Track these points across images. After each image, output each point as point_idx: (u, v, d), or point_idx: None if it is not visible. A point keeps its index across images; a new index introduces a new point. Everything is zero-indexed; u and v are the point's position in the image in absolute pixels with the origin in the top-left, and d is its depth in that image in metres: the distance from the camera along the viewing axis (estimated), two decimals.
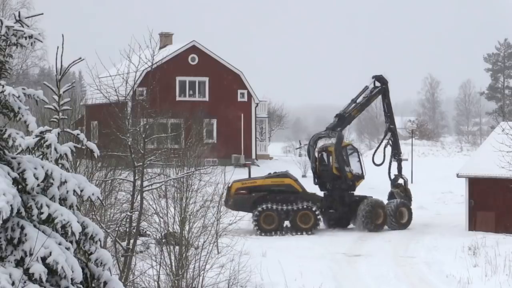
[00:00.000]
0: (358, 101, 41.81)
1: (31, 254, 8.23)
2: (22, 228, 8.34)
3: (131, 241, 20.64)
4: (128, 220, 21.59)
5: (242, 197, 37.94)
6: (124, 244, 20.98)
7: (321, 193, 40.80)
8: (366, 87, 42.57)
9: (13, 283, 8.03)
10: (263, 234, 37.24)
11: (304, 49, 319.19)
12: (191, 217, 21.36)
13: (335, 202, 39.74)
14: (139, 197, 20.42)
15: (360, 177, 40.70)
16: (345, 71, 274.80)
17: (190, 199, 21.48)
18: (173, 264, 20.72)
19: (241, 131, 64.36)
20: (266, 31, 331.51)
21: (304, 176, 59.25)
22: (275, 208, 37.85)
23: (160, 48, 52.02)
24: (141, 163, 20.26)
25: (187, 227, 21.15)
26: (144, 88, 28.86)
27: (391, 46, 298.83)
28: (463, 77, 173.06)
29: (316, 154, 41.21)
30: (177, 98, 60.99)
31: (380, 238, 36.75)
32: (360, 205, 39.26)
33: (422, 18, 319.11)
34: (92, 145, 9.29)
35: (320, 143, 43.31)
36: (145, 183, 20.67)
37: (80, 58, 10.29)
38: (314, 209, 38.28)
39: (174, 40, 67.62)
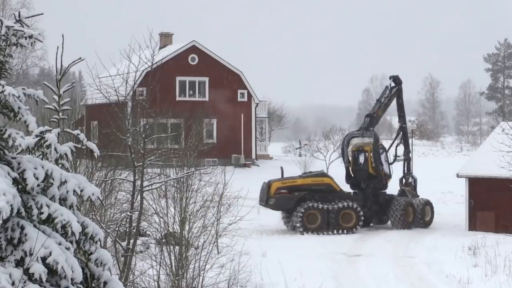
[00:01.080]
0: (381, 101, 42.92)
1: (31, 254, 8.22)
2: (22, 228, 8.34)
3: (131, 241, 20.65)
4: (128, 220, 21.60)
5: (284, 197, 38.40)
6: (124, 244, 20.98)
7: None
8: (387, 87, 43.60)
9: (13, 283, 8.02)
10: (307, 233, 37.71)
11: (304, 49, 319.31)
12: (191, 217, 21.37)
13: (368, 201, 40.10)
14: (139, 197, 20.43)
15: (389, 176, 41.48)
16: (345, 71, 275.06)
17: (190, 199, 21.48)
18: (173, 264, 20.72)
19: (241, 131, 64.36)
20: (266, 31, 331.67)
21: None
22: (318, 207, 38.20)
23: (160, 48, 52.01)
24: (141, 163, 20.27)
25: (187, 227, 21.16)
26: (144, 88, 28.89)
27: (391, 46, 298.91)
28: (463, 77, 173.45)
29: (350, 153, 41.74)
30: (177, 98, 61.01)
31: (380, 238, 36.77)
32: (392, 203, 39.89)
33: (422, 18, 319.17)
34: (92, 145, 9.29)
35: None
36: (145, 183, 20.67)
37: (80, 58, 10.28)
38: (356, 207, 38.68)
39: (174, 40, 67.63)
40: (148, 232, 24.11)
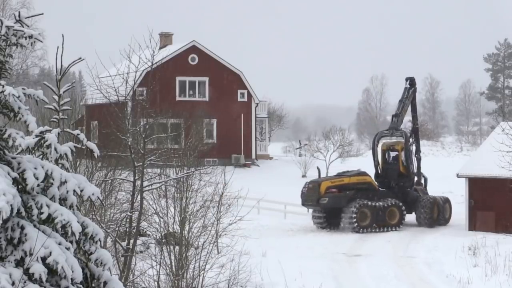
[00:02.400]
0: (403, 101, 43.67)
1: (31, 254, 8.22)
2: (22, 228, 8.33)
3: (131, 241, 20.65)
4: (128, 220, 21.59)
5: (336, 195, 38.97)
6: (124, 244, 20.98)
7: None
8: (405, 89, 44.31)
9: (13, 283, 8.02)
10: (360, 231, 38.14)
11: (304, 49, 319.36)
12: (191, 217, 21.36)
13: (397, 199, 40.47)
14: (139, 197, 20.43)
15: (415, 174, 42.45)
16: (345, 71, 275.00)
17: (190, 199, 21.48)
18: (173, 264, 20.72)
19: (241, 131, 64.34)
20: (267, 31, 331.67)
21: (304, 176, 59.23)
22: (369, 205, 38.68)
23: (160, 48, 51.99)
24: (141, 163, 20.27)
25: (187, 227, 21.15)
26: (144, 88, 28.91)
27: (391, 46, 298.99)
28: (463, 77, 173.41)
29: (380, 152, 42.28)
30: (177, 98, 61.00)
31: (380, 238, 36.78)
32: (420, 202, 40.48)
33: (422, 18, 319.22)
34: (92, 145, 9.28)
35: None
36: (145, 183, 20.67)
37: (80, 58, 10.28)
38: (400, 205, 39.29)
39: (174, 40, 67.60)
40: (148, 232, 24.10)
